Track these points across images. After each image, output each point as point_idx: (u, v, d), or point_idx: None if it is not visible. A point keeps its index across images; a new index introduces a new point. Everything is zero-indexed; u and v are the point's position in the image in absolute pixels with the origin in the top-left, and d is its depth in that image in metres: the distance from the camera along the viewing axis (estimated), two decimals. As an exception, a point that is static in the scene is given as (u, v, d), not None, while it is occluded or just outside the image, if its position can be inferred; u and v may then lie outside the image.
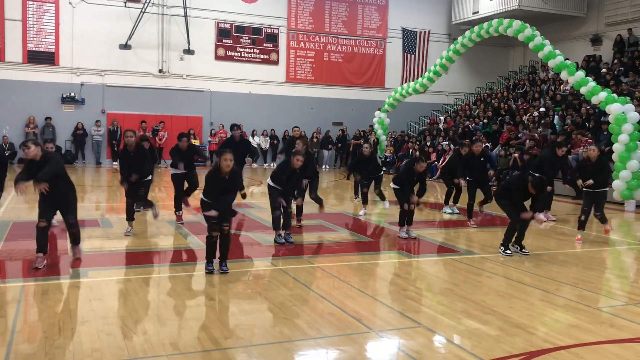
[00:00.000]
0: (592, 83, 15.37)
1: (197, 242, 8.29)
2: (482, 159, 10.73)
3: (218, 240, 6.57)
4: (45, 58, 22.27)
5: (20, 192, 6.44)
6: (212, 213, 6.43)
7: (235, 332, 4.79)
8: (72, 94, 22.72)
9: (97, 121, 22.80)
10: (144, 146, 9.39)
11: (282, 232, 8.38)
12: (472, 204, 10.63)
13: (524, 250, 8.06)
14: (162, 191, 14.81)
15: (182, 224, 9.80)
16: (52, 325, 4.77)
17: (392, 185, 9.29)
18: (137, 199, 9.06)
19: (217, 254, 6.60)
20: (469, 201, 10.64)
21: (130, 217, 8.90)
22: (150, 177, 9.18)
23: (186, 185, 10.15)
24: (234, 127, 11.84)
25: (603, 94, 14.81)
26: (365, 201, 11.77)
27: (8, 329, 4.67)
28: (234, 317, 5.19)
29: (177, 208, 10.06)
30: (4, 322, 4.84)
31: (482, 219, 11.12)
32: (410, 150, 23.27)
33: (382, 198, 12.37)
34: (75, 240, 7.05)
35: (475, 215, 10.90)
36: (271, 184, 8.41)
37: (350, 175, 12.82)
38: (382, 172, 12.95)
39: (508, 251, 7.96)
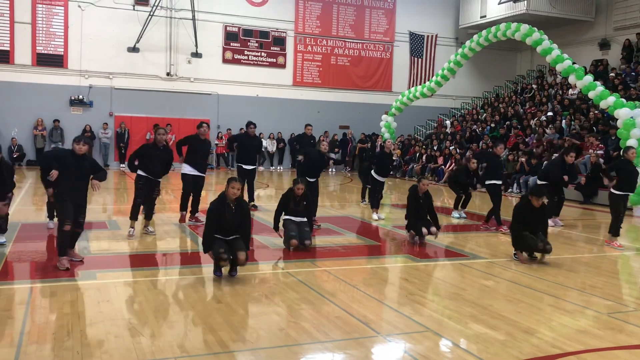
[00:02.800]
0: (600, 87, 15.33)
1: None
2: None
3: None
4: (54, 61, 22.43)
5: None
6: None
7: (243, 335, 4.80)
8: (81, 97, 22.86)
9: (104, 124, 22.93)
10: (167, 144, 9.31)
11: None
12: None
13: (532, 255, 8.02)
14: (169, 194, 14.86)
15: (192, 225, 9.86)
16: (60, 327, 4.79)
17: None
18: (151, 200, 8.98)
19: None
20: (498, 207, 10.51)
21: (135, 217, 8.77)
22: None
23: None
24: (250, 124, 11.76)
25: (612, 99, 14.76)
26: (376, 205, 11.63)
27: (17, 331, 4.70)
28: (241, 320, 5.20)
29: (183, 208, 10.07)
30: (13, 323, 4.86)
31: (491, 223, 11.03)
32: (417, 154, 23.28)
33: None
34: (74, 242, 7.14)
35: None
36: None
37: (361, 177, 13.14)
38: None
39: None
